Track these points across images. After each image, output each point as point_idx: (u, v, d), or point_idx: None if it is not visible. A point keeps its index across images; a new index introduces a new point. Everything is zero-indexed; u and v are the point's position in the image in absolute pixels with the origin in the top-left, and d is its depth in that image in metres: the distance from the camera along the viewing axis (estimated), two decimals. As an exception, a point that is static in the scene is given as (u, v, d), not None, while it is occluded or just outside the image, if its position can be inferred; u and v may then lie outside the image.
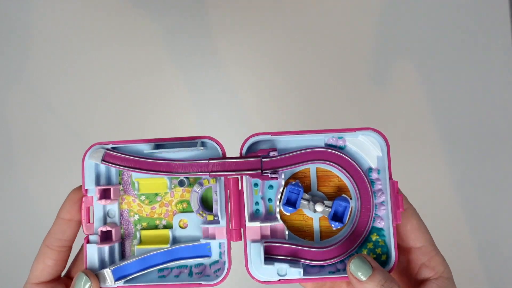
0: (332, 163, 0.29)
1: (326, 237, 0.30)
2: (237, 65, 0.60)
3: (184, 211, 0.31)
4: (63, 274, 0.32)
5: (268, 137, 0.30)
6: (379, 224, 0.29)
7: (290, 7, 0.60)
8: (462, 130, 0.61)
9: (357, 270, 0.27)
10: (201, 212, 0.31)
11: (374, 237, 0.29)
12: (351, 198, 0.30)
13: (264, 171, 0.29)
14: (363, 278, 0.27)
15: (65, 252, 0.31)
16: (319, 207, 0.29)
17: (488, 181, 0.60)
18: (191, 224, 0.31)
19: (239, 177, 0.30)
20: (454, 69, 0.60)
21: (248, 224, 0.30)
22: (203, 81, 0.59)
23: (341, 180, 0.31)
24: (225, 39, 0.60)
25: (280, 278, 0.29)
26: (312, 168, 0.31)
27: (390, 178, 0.30)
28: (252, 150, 0.30)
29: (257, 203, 0.31)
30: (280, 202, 0.30)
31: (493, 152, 0.61)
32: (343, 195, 0.30)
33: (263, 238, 0.30)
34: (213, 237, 0.30)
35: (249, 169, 0.29)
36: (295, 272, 0.29)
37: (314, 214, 0.31)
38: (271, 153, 0.30)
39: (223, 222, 0.30)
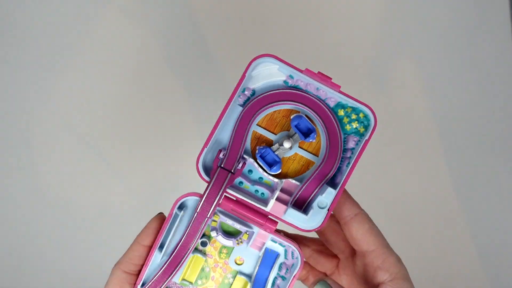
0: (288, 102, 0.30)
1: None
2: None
3: (229, 254, 0.33)
4: None
5: None
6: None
7: (290, 7, 0.61)
8: (462, 130, 0.61)
9: None
10: (237, 241, 0.32)
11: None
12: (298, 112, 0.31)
13: (233, 170, 0.31)
14: None
15: (136, 277, 0.31)
16: (287, 144, 0.31)
17: (488, 181, 0.61)
18: (243, 255, 0.33)
19: (225, 193, 0.31)
20: (454, 69, 0.61)
21: (269, 209, 0.31)
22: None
23: (284, 114, 0.32)
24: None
25: (325, 207, 0.31)
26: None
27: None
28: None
29: (256, 191, 0.32)
30: (266, 171, 0.32)
31: (493, 152, 0.61)
32: (292, 116, 0.31)
33: (287, 203, 0.31)
34: (262, 243, 0.32)
35: (223, 184, 0.31)
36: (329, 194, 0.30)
37: (294, 149, 0.32)
38: (221, 155, 0.31)
39: (255, 228, 0.32)
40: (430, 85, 0.61)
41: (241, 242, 0.32)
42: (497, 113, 0.61)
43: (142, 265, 0.31)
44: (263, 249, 0.32)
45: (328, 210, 0.31)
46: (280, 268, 0.32)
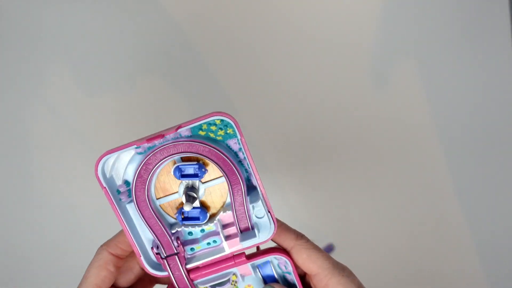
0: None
1: None
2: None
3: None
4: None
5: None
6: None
7: (290, 8, 0.60)
8: (462, 130, 0.61)
9: None
10: (232, 284, 0.33)
11: None
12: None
13: (177, 251, 0.31)
14: None
15: (124, 260, 0.33)
16: (187, 207, 0.29)
17: (489, 181, 0.61)
18: (247, 283, 0.34)
19: (187, 270, 0.32)
20: (454, 69, 0.60)
21: (228, 252, 0.31)
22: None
23: (167, 173, 0.31)
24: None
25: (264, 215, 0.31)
26: None
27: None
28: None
29: (208, 243, 0.32)
30: (200, 225, 0.31)
31: (493, 152, 0.61)
32: (172, 171, 0.30)
33: (237, 234, 0.31)
34: (249, 270, 0.32)
35: (181, 267, 0.31)
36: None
37: (202, 188, 0.31)
38: (155, 250, 0.31)
39: (234, 269, 0.32)
40: (430, 85, 0.60)
41: (235, 283, 0.33)
42: (497, 113, 0.61)
43: (129, 250, 0.32)
44: (255, 269, 0.33)
45: (268, 212, 0.30)
46: (279, 267, 0.33)
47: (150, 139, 0.28)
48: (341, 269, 0.32)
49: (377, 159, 0.61)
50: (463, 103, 0.61)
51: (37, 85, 0.59)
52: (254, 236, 0.31)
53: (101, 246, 0.32)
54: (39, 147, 0.60)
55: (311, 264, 0.31)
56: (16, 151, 0.60)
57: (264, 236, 0.31)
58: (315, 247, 0.32)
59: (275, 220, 0.30)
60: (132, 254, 0.33)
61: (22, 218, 0.61)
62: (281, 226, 0.32)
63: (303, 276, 0.35)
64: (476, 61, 0.60)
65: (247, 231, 0.31)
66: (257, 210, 0.30)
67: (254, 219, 0.30)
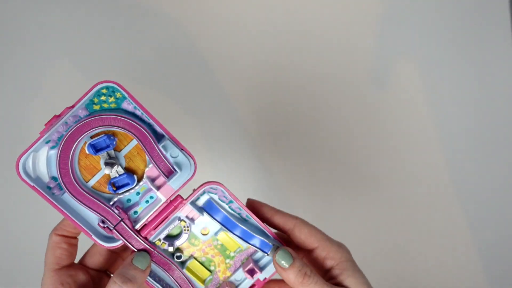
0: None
1: None
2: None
3: (196, 238, 0.37)
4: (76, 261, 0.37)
5: None
6: None
7: (291, 8, 0.62)
8: (463, 130, 0.61)
9: (281, 260, 0.35)
10: (185, 230, 0.36)
11: None
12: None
13: (121, 217, 0.34)
14: (286, 266, 0.34)
15: (75, 239, 0.36)
16: (107, 170, 0.33)
17: (489, 181, 0.61)
18: (201, 227, 0.37)
19: (137, 230, 0.34)
20: (454, 69, 0.61)
21: (165, 198, 0.34)
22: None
23: (85, 156, 0.34)
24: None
25: (178, 154, 0.34)
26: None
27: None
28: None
29: (147, 201, 0.35)
30: (131, 188, 0.34)
31: (493, 153, 0.61)
32: (86, 149, 0.33)
33: (165, 182, 0.34)
34: (194, 212, 0.36)
35: (131, 230, 0.34)
36: None
37: (121, 156, 0.34)
38: (102, 224, 0.34)
39: (178, 213, 0.35)
40: (430, 85, 0.62)
41: (187, 228, 0.36)
42: (497, 113, 0.62)
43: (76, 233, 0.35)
44: (201, 211, 0.36)
45: (182, 150, 0.34)
46: (222, 201, 0.36)
47: (47, 123, 0.31)
48: (337, 243, 0.37)
49: (377, 159, 0.63)
50: (463, 103, 0.62)
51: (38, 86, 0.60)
52: (181, 176, 0.34)
53: (51, 232, 0.35)
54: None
55: (312, 237, 0.36)
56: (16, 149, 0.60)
57: (187, 173, 0.34)
58: (312, 225, 0.37)
59: (191, 154, 0.34)
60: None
61: (22, 217, 0.61)
62: (278, 211, 0.37)
63: (304, 256, 0.38)
64: (476, 61, 0.62)
65: (172, 174, 0.34)
66: (171, 152, 0.34)
67: (172, 159, 0.34)
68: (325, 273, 0.37)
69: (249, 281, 0.38)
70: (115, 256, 0.38)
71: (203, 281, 0.38)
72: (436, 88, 0.63)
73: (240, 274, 0.38)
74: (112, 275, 0.37)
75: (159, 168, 0.33)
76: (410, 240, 0.63)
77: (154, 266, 0.36)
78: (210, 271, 0.38)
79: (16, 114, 0.61)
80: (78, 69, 0.60)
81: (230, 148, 0.61)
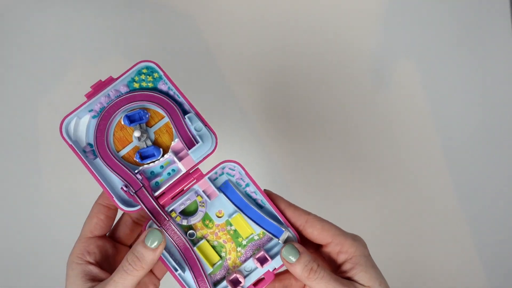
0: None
1: None
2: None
3: (210, 219, 0.38)
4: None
5: None
6: None
7: (291, 8, 0.62)
8: (463, 130, 0.62)
9: (288, 254, 0.35)
10: (201, 206, 0.38)
11: None
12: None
13: (142, 183, 0.36)
14: (293, 260, 0.35)
15: (114, 211, 0.37)
16: (136, 133, 0.37)
17: (489, 180, 0.62)
18: (216, 208, 0.38)
19: (156, 197, 0.37)
20: (454, 69, 0.62)
21: (185, 169, 0.37)
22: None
23: (121, 128, 0.38)
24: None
25: (202, 128, 0.38)
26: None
27: None
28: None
29: (168, 173, 0.38)
30: (156, 160, 0.37)
31: (494, 153, 0.62)
32: (122, 122, 0.37)
33: (187, 153, 0.37)
34: (211, 188, 0.38)
35: (150, 197, 0.36)
36: None
37: (151, 132, 0.38)
38: (125, 188, 0.36)
39: (196, 187, 0.37)
40: (430, 85, 0.62)
41: (203, 204, 0.37)
42: (498, 113, 0.62)
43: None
44: (217, 190, 0.38)
45: (206, 126, 0.37)
46: (239, 184, 0.38)
47: (93, 85, 0.36)
48: (352, 236, 0.37)
49: (377, 159, 0.63)
50: (463, 103, 0.63)
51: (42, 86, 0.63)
52: (201, 149, 0.37)
53: (95, 202, 0.38)
54: (44, 147, 0.62)
55: (325, 232, 0.36)
56: (20, 149, 0.62)
57: (208, 147, 0.37)
58: (325, 220, 0.37)
59: (213, 130, 0.37)
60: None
61: (26, 216, 0.61)
62: (291, 206, 0.38)
63: (315, 250, 0.39)
64: (476, 61, 0.62)
65: (193, 146, 0.37)
66: (196, 125, 0.37)
67: (195, 132, 0.37)
68: (338, 267, 0.37)
69: (259, 271, 0.37)
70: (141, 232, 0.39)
71: (212, 264, 0.38)
72: (436, 87, 0.62)
73: (250, 264, 0.38)
74: None
75: (181, 137, 0.37)
76: (411, 236, 0.62)
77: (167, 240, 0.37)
78: (220, 257, 0.38)
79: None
80: (90, 65, 0.63)
81: (241, 145, 0.63)
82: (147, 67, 0.38)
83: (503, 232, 0.62)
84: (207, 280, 0.36)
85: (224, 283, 0.37)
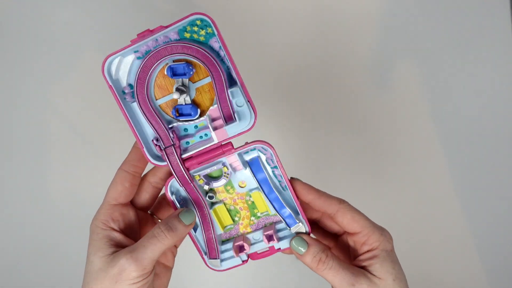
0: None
1: None
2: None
3: (233, 186, 0.39)
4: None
5: None
6: None
7: (292, 8, 0.64)
8: (463, 130, 0.62)
9: (298, 246, 0.36)
10: (225, 175, 0.38)
11: None
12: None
13: (173, 142, 0.36)
14: (303, 251, 0.36)
15: (138, 178, 0.37)
16: (175, 95, 0.35)
17: (489, 181, 0.62)
18: (240, 179, 0.38)
19: (184, 159, 0.37)
20: (454, 69, 0.62)
21: (217, 140, 0.36)
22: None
23: (163, 76, 0.36)
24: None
25: (243, 104, 0.35)
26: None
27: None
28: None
29: (200, 137, 0.37)
30: (192, 119, 0.36)
31: (494, 153, 0.62)
32: (165, 71, 0.35)
33: (222, 125, 0.36)
34: (238, 162, 0.37)
35: (178, 156, 0.36)
36: None
37: (192, 88, 0.36)
38: (155, 142, 0.36)
39: (223, 159, 0.37)
40: (431, 85, 0.62)
41: (227, 175, 0.37)
42: (498, 113, 0.62)
43: (140, 166, 0.37)
44: (245, 165, 0.37)
45: (248, 102, 0.34)
46: (268, 164, 0.37)
47: (139, 33, 0.33)
48: (380, 229, 0.37)
49: (377, 159, 0.63)
50: (464, 102, 0.61)
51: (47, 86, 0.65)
52: (239, 126, 0.35)
53: (118, 168, 0.38)
54: (50, 147, 0.65)
55: (354, 223, 0.36)
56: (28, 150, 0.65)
57: (245, 124, 0.35)
58: (357, 210, 0.37)
59: (254, 108, 0.35)
60: (145, 178, 0.39)
61: (32, 215, 0.65)
62: (324, 194, 0.37)
63: (339, 235, 0.39)
64: (476, 61, 0.61)
65: (231, 121, 0.35)
66: (237, 100, 0.35)
67: (236, 107, 0.35)
68: (357, 256, 0.37)
69: (264, 244, 0.39)
70: (162, 201, 0.41)
71: (223, 227, 0.40)
72: (436, 87, 0.61)
73: (259, 235, 0.39)
74: (159, 220, 0.40)
75: (221, 110, 0.35)
76: (409, 239, 0.63)
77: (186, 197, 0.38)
78: (233, 220, 0.40)
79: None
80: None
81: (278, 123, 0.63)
82: (201, 20, 0.34)
83: (503, 232, 0.62)
84: (215, 241, 0.39)
85: (230, 244, 0.40)
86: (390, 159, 0.63)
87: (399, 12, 0.63)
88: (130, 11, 0.64)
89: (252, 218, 0.39)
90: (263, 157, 0.37)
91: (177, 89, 0.35)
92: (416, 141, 0.63)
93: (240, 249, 0.39)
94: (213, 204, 0.39)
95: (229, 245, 0.40)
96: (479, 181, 0.62)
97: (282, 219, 0.38)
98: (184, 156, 0.36)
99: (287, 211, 0.37)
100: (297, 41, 0.63)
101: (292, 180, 0.37)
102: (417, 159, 0.63)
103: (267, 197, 0.37)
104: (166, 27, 0.34)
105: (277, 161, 0.36)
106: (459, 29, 0.62)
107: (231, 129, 0.35)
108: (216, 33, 0.33)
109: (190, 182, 0.37)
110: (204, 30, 0.34)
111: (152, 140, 0.36)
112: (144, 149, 0.36)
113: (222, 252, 0.40)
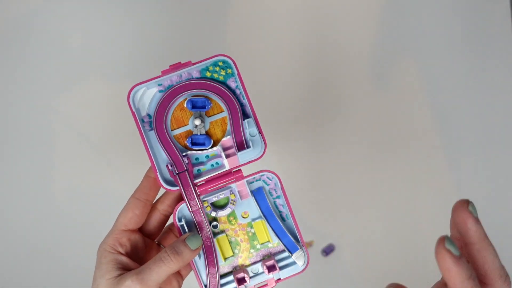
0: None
1: None
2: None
3: (235, 217, 0.41)
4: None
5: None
6: None
7: (292, 8, 0.64)
8: (463, 130, 0.63)
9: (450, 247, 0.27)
10: (231, 204, 0.40)
11: None
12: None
13: (186, 168, 0.38)
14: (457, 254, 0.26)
15: (149, 206, 0.39)
16: (197, 121, 0.38)
17: (489, 181, 0.63)
18: (243, 209, 0.41)
19: (195, 184, 0.39)
20: (454, 69, 0.64)
21: (228, 167, 0.39)
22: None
23: (181, 109, 0.40)
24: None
25: (256, 134, 0.40)
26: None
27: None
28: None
29: (212, 165, 0.40)
30: (205, 149, 0.39)
31: (494, 153, 0.63)
32: (185, 104, 0.39)
33: (235, 153, 0.39)
34: (246, 191, 0.40)
35: (190, 181, 0.38)
36: None
37: (207, 122, 0.40)
38: (169, 167, 0.38)
39: (232, 186, 0.40)
40: (431, 85, 0.64)
41: (234, 202, 0.40)
42: (498, 113, 0.63)
43: (151, 194, 0.39)
44: (250, 194, 0.40)
45: (259, 133, 0.39)
46: (270, 193, 0.41)
47: (171, 65, 0.38)
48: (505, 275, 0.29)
49: (377, 159, 0.64)
50: (463, 102, 0.64)
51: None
52: (249, 153, 0.39)
53: (131, 196, 0.39)
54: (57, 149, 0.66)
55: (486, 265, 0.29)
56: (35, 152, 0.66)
57: (256, 153, 0.39)
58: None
59: (265, 139, 0.39)
60: (154, 206, 0.41)
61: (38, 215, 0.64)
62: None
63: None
64: (476, 60, 0.64)
65: (243, 150, 0.39)
66: (251, 130, 0.39)
67: (248, 137, 0.39)
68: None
69: (264, 276, 0.40)
70: (168, 231, 0.42)
71: (225, 258, 0.40)
72: (436, 87, 0.63)
73: (257, 268, 0.41)
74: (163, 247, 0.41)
75: (235, 138, 0.39)
76: (409, 239, 0.63)
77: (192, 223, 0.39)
78: (233, 253, 0.41)
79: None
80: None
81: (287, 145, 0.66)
82: (224, 61, 0.39)
83: (503, 232, 0.61)
84: (217, 271, 0.39)
85: (230, 277, 0.40)
86: (389, 166, 0.64)
87: (399, 12, 0.65)
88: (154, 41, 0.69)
89: (252, 250, 0.41)
90: (267, 187, 0.41)
91: (196, 117, 0.39)
92: (416, 142, 0.63)
93: (240, 281, 0.40)
94: (215, 234, 0.40)
95: (229, 278, 0.40)
96: (479, 181, 0.63)
97: (284, 248, 0.40)
98: (196, 181, 0.39)
99: (290, 238, 0.40)
100: (296, 68, 0.65)
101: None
102: (417, 159, 0.63)
103: (270, 226, 0.40)
104: (195, 63, 0.39)
105: (282, 190, 0.40)
106: (459, 29, 0.64)
107: (243, 156, 0.39)
108: (236, 73, 0.39)
109: (200, 207, 0.38)
110: (224, 71, 0.40)
111: (167, 165, 0.38)
112: (158, 173, 0.38)
113: (222, 286, 0.40)
